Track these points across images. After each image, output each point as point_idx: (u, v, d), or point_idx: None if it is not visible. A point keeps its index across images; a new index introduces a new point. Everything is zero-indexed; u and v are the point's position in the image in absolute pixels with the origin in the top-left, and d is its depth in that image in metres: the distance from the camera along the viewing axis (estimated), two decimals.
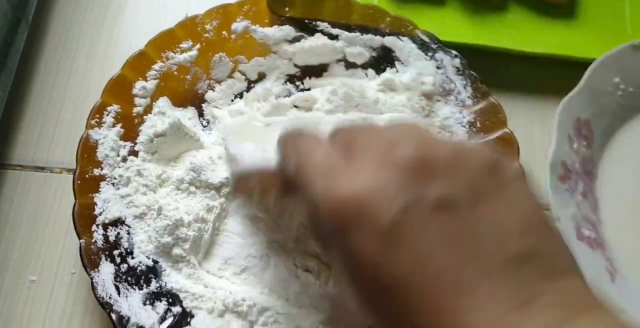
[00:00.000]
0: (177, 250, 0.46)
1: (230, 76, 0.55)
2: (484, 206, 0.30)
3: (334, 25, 0.55)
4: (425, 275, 0.28)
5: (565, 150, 0.51)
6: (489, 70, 0.55)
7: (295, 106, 0.53)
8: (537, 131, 0.57)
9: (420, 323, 0.28)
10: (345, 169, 0.31)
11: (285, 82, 0.56)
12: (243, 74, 0.55)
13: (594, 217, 0.51)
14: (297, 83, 0.56)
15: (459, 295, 0.28)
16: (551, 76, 0.58)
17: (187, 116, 0.53)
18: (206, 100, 0.54)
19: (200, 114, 0.54)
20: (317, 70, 0.56)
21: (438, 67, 0.54)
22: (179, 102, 0.53)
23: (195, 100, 0.54)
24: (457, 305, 0.28)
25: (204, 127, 0.53)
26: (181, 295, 0.45)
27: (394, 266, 0.29)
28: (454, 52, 0.54)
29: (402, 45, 0.55)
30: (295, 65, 0.56)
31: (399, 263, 0.29)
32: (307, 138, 0.36)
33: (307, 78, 0.56)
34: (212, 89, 0.54)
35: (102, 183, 0.47)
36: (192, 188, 0.49)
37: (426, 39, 0.55)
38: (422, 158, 0.30)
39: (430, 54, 0.54)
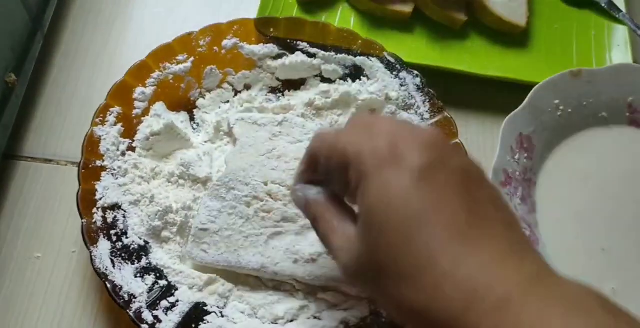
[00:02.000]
0: (165, 233, 0.53)
1: (219, 86, 0.62)
2: (481, 182, 0.36)
3: (312, 45, 0.62)
4: (440, 218, 0.33)
5: (507, 160, 0.58)
6: (446, 89, 0.62)
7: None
8: (487, 143, 0.64)
9: (424, 262, 0.33)
10: (374, 138, 0.37)
11: (268, 93, 0.63)
12: (231, 84, 0.62)
13: (531, 219, 0.58)
14: (278, 94, 0.62)
15: (461, 239, 0.33)
16: (501, 96, 0.65)
17: (179, 119, 0.59)
18: (197, 106, 0.61)
19: (192, 118, 0.60)
20: (297, 84, 0.63)
21: (401, 85, 0.61)
22: (173, 107, 0.60)
23: (187, 106, 0.61)
24: (458, 248, 0.33)
25: (194, 129, 0.60)
26: (165, 271, 0.52)
27: (417, 204, 0.33)
28: (416, 72, 0.61)
29: (371, 65, 0.61)
30: (278, 79, 0.63)
31: (421, 203, 0.33)
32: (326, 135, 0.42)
33: (287, 91, 0.63)
34: (203, 96, 0.61)
35: (103, 173, 0.54)
36: (181, 181, 0.56)
37: (392, 59, 0.62)
38: (434, 137, 0.37)
39: (395, 72, 0.61)
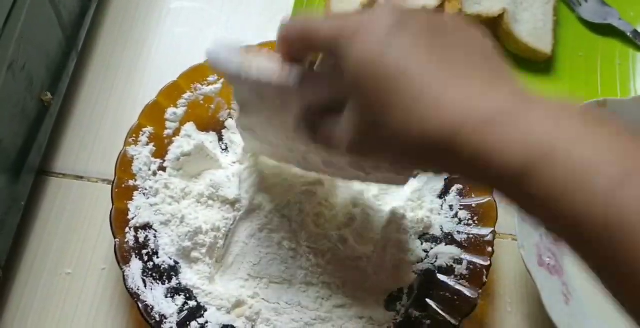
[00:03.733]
0: (195, 254, 0.54)
1: None
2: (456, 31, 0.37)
3: None
4: (418, 62, 0.34)
5: None
6: None
7: None
8: None
9: (413, 100, 0.33)
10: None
11: None
12: None
13: (556, 248, 0.59)
14: None
15: (442, 75, 0.34)
16: None
17: (209, 140, 0.60)
18: (226, 127, 0.62)
19: (220, 139, 0.61)
20: None
21: None
22: (203, 127, 0.61)
23: (216, 127, 0.61)
24: (440, 82, 0.33)
25: (223, 150, 0.61)
26: (195, 292, 0.52)
27: (391, 57, 0.34)
28: None
29: None
30: None
31: (394, 54, 0.34)
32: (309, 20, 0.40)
33: None
34: (232, 117, 0.62)
35: (135, 193, 0.55)
36: (211, 202, 0.56)
37: None
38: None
39: None
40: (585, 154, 0.29)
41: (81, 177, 0.61)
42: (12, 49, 0.50)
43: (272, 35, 0.68)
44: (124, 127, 0.58)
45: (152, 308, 0.50)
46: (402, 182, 0.49)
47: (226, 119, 0.62)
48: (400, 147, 0.36)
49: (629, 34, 0.72)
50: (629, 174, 0.28)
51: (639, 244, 0.27)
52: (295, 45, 0.41)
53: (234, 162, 0.60)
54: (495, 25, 0.69)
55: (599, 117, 0.32)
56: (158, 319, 0.49)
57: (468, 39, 0.38)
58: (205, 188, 0.57)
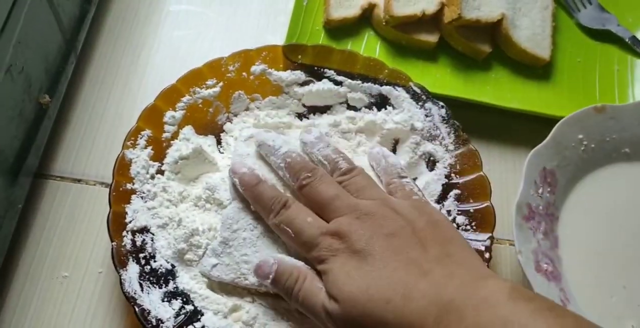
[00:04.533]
0: (189, 255, 0.54)
1: (246, 111, 0.63)
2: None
3: (339, 73, 0.63)
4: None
5: (530, 194, 0.58)
6: (471, 121, 0.62)
7: None
8: (509, 176, 0.65)
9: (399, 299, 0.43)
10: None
11: (294, 118, 0.63)
12: (258, 109, 0.63)
13: (553, 254, 0.59)
14: (304, 119, 0.63)
15: (424, 276, 0.44)
16: (524, 129, 0.67)
17: (207, 143, 0.60)
18: (224, 131, 0.62)
19: (218, 142, 0.61)
20: (322, 110, 0.64)
21: (427, 115, 0.62)
22: (201, 130, 0.61)
23: (215, 130, 0.61)
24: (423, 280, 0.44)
25: (221, 153, 0.61)
26: (192, 296, 0.52)
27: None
28: (441, 103, 0.62)
29: (397, 94, 0.62)
30: (304, 105, 0.64)
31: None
32: None
33: (312, 114, 0.64)
34: (230, 121, 0.62)
35: (133, 196, 0.54)
36: (208, 205, 0.56)
37: (418, 90, 0.62)
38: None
39: (420, 103, 0.62)
40: None
41: (79, 180, 0.60)
42: (10, 51, 0.50)
43: (271, 38, 0.70)
44: (123, 130, 0.58)
45: (149, 313, 0.49)
46: None
47: (225, 123, 0.62)
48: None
49: (627, 40, 0.72)
50: None
51: None
52: None
53: (229, 165, 0.59)
54: (494, 31, 0.69)
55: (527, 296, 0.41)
56: (154, 323, 0.49)
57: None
58: (202, 191, 0.57)
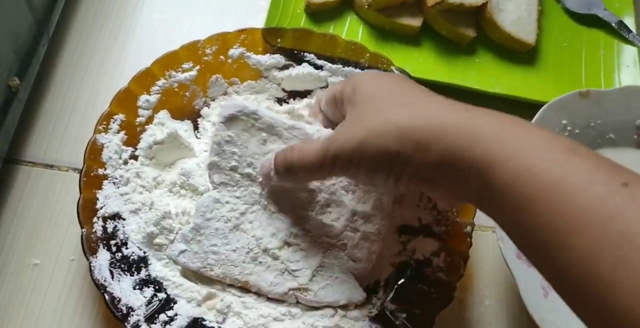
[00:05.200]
0: (159, 239, 0.52)
1: (224, 95, 0.61)
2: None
3: (319, 57, 0.61)
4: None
5: None
6: None
7: None
8: None
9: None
10: None
11: (274, 103, 0.62)
12: (236, 94, 0.62)
13: None
14: (283, 104, 0.62)
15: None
16: (507, 113, 0.65)
17: (183, 128, 0.59)
18: (201, 115, 0.60)
19: (195, 127, 0.60)
20: (302, 95, 0.62)
21: None
22: (178, 115, 0.59)
23: (191, 115, 0.60)
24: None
25: (198, 138, 0.59)
26: (165, 283, 0.51)
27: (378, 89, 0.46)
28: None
29: None
30: (283, 90, 0.62)
31: (379, 88, 0.47)
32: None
33: (292, 99, 0.62)
34: (208, 105, 0.61)
35: (105, 182, 0.53)
36: (183, 191, 0.55)
37: (399, 74, 0.61)
38: None
39: None
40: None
41: (51, 166, 0.59)
42: None
43: (252, 22, 0.68)
44: (97, 114, 0.56)
45: (119, 300, 0.48)
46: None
47: (202, 107, 0.61)
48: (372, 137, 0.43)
49: (614, 24, 0.71)
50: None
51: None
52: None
53: (206, 150, 0.58)
54: (478, 15, 0.68)
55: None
56: (125, 311, 0.48)
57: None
58: (177, 177, 0.55)
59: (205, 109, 0.60)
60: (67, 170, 0.59)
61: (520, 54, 0.69)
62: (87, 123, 0.60)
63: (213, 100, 0.61)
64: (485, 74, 0.67)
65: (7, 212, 0.56)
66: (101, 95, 0.62)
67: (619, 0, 0.73)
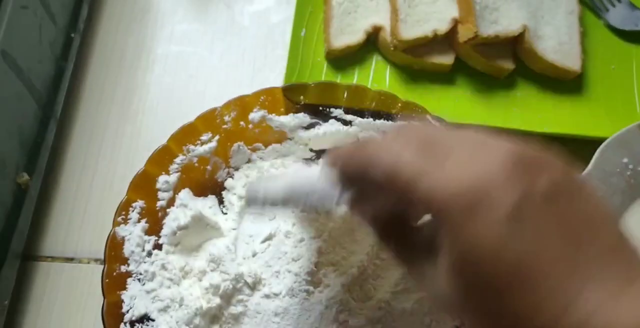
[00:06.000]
0: None
1: (247, 163, 0.57)
2: (574, 201, 0.31)
3: (347, 111, 0.56)
4: (544, 259, 0.30)
5: None
6: None
7: None
8: None
9: (532, 306, 0.30)
10: (446, 165, 0.31)
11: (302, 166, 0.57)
12: (261, 160, 0.57)
13: None
14: (312, 165, 0.57)
15: (572, 276, 0.30)
16: (558, 149, 0.59)
17: (207, 205, 0.54)
18: (225, 188, 0.56)
19: (220, 202, 0.55)
20: None
21: None
22: (200, 191, 0.55)
23: (215, 189, 0.55)
24: (570, 286, 0.29)
25: (224, 213, 0.55)
26: None
27: (515, 251, 0.30)
28: None
29: None
30: (311, 150, 0.57)
31: (520, 247, 0.30)
32: (372, 144, 0.35)
33: (321, 159, 0.57)
34: (232, 176, 0.56)
35: (129, 280, 0.49)
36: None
37: (436, 123, 0.56)
38: (519, 154, 0.31)
39: None
40: None
41: (71, 259, 0.55)
42: None
43: (270, 74, 0.63)
44: (115, 199, 0.51)
45: None
46: None
47: (225, 179, 0.56)
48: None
49: None
50: None
51: None
52: (352, 176, 0.38)
53: (234, 229, 0.53)
54: (515, 45, 0.62)
55: None
56: None
57: (590, 210, 0.32)
58: (205, 264, 0.51)
59: (229, 180, 0.56)
60: (88, 262, 0.55)
61: (566, 83, 0.62)
62: (105, 210, 0.56)
63: (236, 169, 0.57)
64: (529, 110, 0.61)
65: (31, 312, 0.53)
66: (117, 179, 0.58)
67: None
